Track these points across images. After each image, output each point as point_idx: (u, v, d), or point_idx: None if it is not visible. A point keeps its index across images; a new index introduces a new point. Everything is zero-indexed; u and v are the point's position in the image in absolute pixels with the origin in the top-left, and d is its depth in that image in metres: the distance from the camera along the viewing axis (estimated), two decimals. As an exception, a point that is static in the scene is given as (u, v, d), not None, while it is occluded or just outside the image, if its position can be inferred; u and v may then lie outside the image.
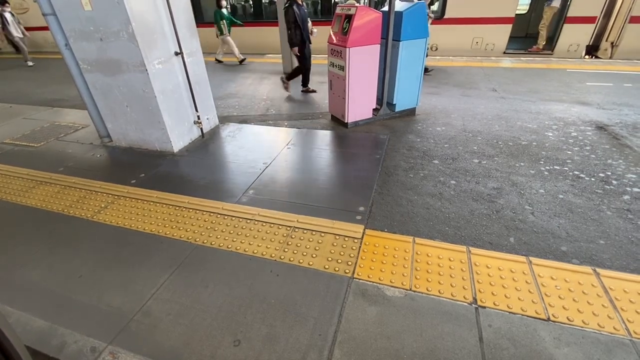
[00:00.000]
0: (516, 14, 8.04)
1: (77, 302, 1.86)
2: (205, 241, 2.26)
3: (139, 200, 2.75)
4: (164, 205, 2.67)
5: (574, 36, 7.78)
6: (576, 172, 2.90)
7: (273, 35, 8.26)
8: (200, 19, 10.19)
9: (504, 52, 8.34)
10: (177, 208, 2.62)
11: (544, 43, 7.93)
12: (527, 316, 1.65)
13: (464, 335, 1.57)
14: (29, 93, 6.45)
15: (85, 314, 1.79)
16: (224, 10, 7.98)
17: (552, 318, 1.64)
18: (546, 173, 2.91)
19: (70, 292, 1.93)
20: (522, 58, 7.75)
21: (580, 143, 3.44)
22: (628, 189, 2.64)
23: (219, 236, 2.30)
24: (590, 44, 8.03)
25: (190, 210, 2.59)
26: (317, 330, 1.63)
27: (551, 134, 3.68)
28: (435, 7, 8.16)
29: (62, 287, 1.97)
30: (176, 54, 3.39)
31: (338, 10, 3.74)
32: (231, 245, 2.21)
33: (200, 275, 1.99)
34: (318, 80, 6.50)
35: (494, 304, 1.72)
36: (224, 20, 7.99)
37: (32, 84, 7.22)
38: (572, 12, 7.52)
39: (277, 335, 1.62)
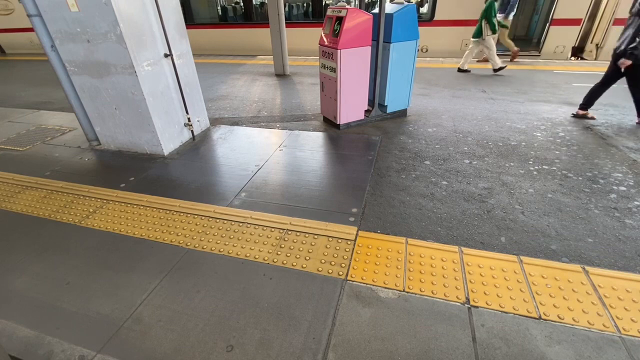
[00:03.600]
0: (504, 16, 8.17)
1: (65, 309, 1.82)
2: (197, 245, 2.23)
3: (129, 205, 2.70)
4: (155, 209, 2.62)
5: (560, 38, 7.95)
6: (564, 172, 2.96)
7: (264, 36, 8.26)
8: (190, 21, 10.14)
9: (493, 54, 8.45)
10: (168, 212, 2.59)
11: (516, 49, 7.75)
12: (519, 315, 1.67)
13: (457, 336, 1.58)
14: (14, 95, 6.31)
15: (73, 322, 1.74)
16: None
17: (543, 316, 1.66)
18: (535, 173, 2.96)
19: (57, 299, 1.88)
20: (509, 59, 7.87)
21: (568, 143, 3.51)
22: (615, 187, 2.70)
23: (210, 240, 2.27)
24: (576, 45, 8.22)
25: (182, 214, 2.56)
26: (311, 333, 1.62)
27: (539, 134, 3.74)
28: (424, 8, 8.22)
29: (49, 294, 1.92)
30: (166, 55, 3.35)
31: (329, 12, 3.75)
32: (223, 249, 2.19)
33: (192, 280, 1.97)
34: (310, 82, 6.51)
35: (487, 303, 1.74)
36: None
37: (17, 86, 7.06)
38: (557, 15, 7.68)
39: (271, 339, 1.60)
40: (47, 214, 2.63)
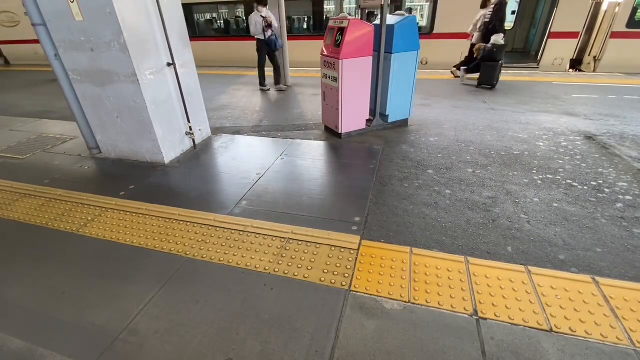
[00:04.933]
0: (502, 30, 8.30)
1: (59, 320, 1.76)
2: (197, 254, 2.18)
3: (128, 213, 2.66)
4: (154, 218, 2.58)
5: (558, 50, 8.06)
6: (569, 181, 2.93)
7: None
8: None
9: (492, 66, 8.55)
10: (168, 220, 2.54)
11: None
12: (530, 327, 1.61)
13: (466, 349, 1.52)
14: (16, 104, 6.33)
15: (67, 333, 1.68)
16: None
17: (554, 329, 1.60)
18: (539, 182, 2.93)
19: (51, 310, 1.82)
20: (509, 71, 7.96)
21: (571, 152, 3.49)
22: (620, 197, 2.67)
23: (210, 249, 2.22)
24: (574, 58, 8.31)
25: (181, 222, 2.51)
26: (313, 346, 1.56)
27: (542, 144, 3.73)
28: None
29: (43, 304, 1.86)
30: (168, 64, 3.36)
31: (331, 23, 3.79)
32: (223, 258, 2.14)
33: (191, 290, 1.91)
34: (311, 93, 6.55)
35: (495, 315, 1.68)
36: None
37: (19, 95, 7.10)
38: (555, 28, 7.80)
39: (272, 352, 1.54)
40: (44, 222, 2.59)
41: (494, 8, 6.31)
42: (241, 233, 2.36)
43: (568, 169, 3.13)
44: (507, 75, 7.44)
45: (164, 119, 3.42)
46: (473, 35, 7.02)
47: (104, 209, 2.72)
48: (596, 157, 3.37)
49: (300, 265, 2.05)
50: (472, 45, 6.95)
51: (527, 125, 4.32)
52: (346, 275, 1.96)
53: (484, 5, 6.75)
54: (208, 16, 10.96)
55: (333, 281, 1.93)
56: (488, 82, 6.37)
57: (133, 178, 3.23)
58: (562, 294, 1.78)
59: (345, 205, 2.67)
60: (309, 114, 5.24)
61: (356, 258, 2.09)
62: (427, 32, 8.58)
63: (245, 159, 3.57)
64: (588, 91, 5.92)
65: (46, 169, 3.51)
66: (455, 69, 7.47)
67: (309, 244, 2.23)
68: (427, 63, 8.92)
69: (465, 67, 6.89)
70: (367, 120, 4.19)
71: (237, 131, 4.48)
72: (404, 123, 4.44)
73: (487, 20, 6.46)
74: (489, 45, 6.21)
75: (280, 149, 3.82)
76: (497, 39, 6.12)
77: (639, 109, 4.87)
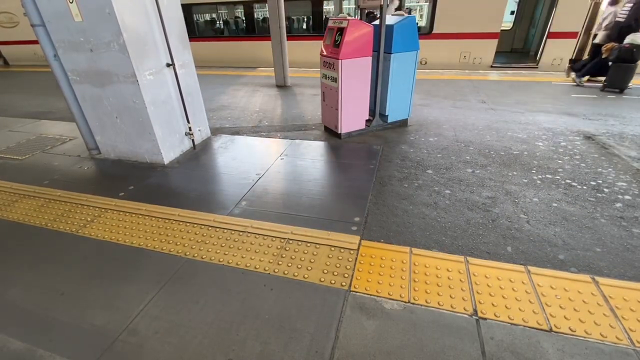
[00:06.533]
0: (501, 30, 8.33)
1: (58, 321, 1.75)
2: (196, 255, 2.18)
3: (127, 213, 2.66)
4: (153, 218, 2.58)
5: (557, 51, 8.07)
6: (568, 181, 2.93)
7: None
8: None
9: (491, 66, 8.58)
10: (167, 221, 2.54)
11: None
12: (529, 327, 1.61)
13: (465, 349, 1.52)
14: (15, 105, 6.33)
15: (66, 334, 1.68)
16: None
17: (554, 329, 1.60)
18: (539, 182, 2.93)
19: (51, 311, 1.82)
20: (508, 71, 7.97)
21: (570, 152, 3.49)
22: (620, 196, 2.67)
23: (210, 249, 2.22)
24: (573, 58, 8.32)
25: (181, 223, 2.51)
26: (313, 346, 1.56)
27: (541, 144, 3.73)
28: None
29: (42, 305, 1.86)
30: (168, 65, 3.36)
31: (330, 24, 3.80)
32: (223, 258, 2.14)
33: (191, 290, 1.91)
34: (310, 93, 6.55)
35: (495, 315, 1.68)
36: None
37: (18, 96, 7.09)
38: (554, 28, 7.81)
39: (272, 352, 1.54)
40: (43, 223, 2.58)
41: (633, 5, 5.74)
42: (241, 233, 2.36)
43: (567, 169, 3.14)
44: (506, 75, 7.45)
45: (163, 119, 3.42)
46: (596, 35, 6.43)
47: (103, 210, 2.72)
48: (595, 156, 3.38)
49: (300, 266, 2.05)
50: (596, 45, 6.32)
51: (526, 125, 4.33)
52: (346, 275, 1.96)
53: (614, 2, 6.13)
54: (207, 16, 10.96)
55: (333, 281, 1.93)
56: (618, 85, 5.71)
57: (132, 178, 3.23)
58: (562, 293, 1.79)
59: (344, 205, 2.67)
60: (309, 114, 5.24)
61: (356, 258, 2.09)
62: (427, 32, 8.59)
63: (244, 159, 3.57)
64: (587, 91, 5.93)
65: (45, 169, 3.51)
66: (571, 71, 6.79)
67: (308, 244, 2.23)
68: (426, 63, 8.94)
69: (578, 72, 6.36)
70: (367, 121, 4.19)
71: (236, 131, 4.48)
72: (403, 123, 4.45)
73: (619, 18, 5.88)
74: (626, 45, 5.60)
75: (279, 149, 3.82)
76: (635, 38, 5.59)
77: (638, 109, 4.88)
